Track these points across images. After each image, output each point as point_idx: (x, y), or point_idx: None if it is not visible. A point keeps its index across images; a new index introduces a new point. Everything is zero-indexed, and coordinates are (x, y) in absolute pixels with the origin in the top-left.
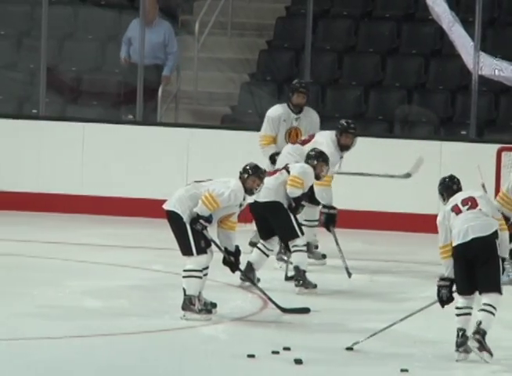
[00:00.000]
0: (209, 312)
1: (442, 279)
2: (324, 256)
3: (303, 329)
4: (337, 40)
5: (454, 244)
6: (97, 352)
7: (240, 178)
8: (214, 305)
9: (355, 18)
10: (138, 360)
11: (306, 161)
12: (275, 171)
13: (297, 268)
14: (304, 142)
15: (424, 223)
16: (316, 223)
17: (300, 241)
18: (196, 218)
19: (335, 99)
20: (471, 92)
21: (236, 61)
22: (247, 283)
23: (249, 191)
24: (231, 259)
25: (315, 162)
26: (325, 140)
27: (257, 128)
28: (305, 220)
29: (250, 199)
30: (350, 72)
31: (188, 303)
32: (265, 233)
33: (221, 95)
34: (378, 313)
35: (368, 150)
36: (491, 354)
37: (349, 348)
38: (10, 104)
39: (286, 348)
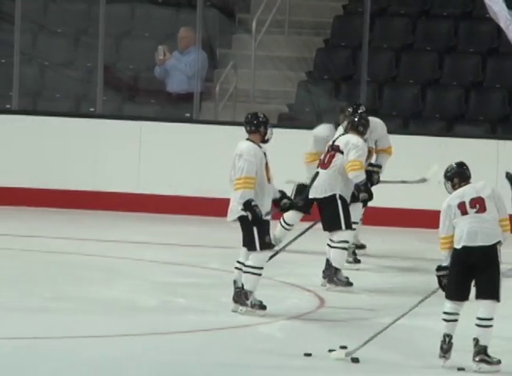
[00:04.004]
0: (263, 307)
1: (441, 268)
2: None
3: (360, 327)
4: (394, 38)
5: (457, 246)
6: (154, 350)
7: (255, 132)
8: (263, 307)
9: (412, 16)
10: (194, 358)
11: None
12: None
13: (330, 264)
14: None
15: None
16: (358, 223)
17: (338, 237)
18: (247, 206)
19: (392, 98)
20: None
21: (293, 59)
22: (329, 285)
23: (266, 141)
24: (290, 202)
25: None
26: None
27: (314, 127)
28: None
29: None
30: (407, 70)
31: (243, 297)
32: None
33: (279, 93)
34: (436, 312)
35: (425, 148)
36: (499, 362)
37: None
38: (67, 102)
39: (343, 347)
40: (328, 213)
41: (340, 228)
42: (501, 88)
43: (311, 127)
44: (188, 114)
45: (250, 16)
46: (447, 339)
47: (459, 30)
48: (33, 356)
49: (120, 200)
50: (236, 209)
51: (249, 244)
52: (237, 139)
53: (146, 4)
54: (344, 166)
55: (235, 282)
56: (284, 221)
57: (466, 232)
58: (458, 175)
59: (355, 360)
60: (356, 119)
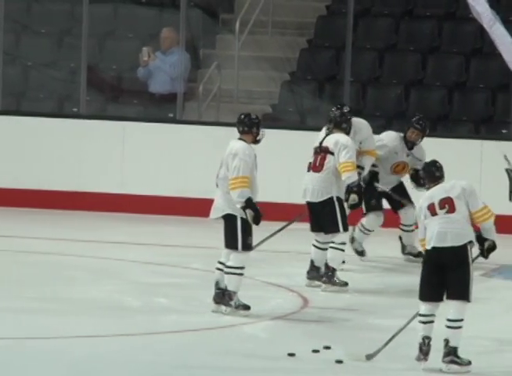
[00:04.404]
0: (247, 308)
1: None
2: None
3: (343, 328)
4: (377, 39)
5: (428, 247)
6: (136, 350)
7: (248, 133)
8: (247, 307)
9: (395, 17)
10: (177, 359)
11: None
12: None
13: (326, 264)
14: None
15: None
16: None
17: (338, 238)
18: (250, 204)
19: (376, 98)
20: None
21: (277, 60)
22: (316, 282)
23: (257, 141)
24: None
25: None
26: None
27: (298, 127)
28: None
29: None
30: (391, 71)
31: (227, 298)
32: (315, 225)
33: (262, 93)
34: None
35: None
36: (469, 363)
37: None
38: (51, 103)
39: (327, 347)
40: (326, 216)
41: (338, 230)
42: (484, 89)
43: (294, 127)
44: (171, 115)
45: (234, 16)
46: (426, 341)
47: (442, 31)
48: (14, 356)
49: (103, 201)
50: (221, 207)
51: (231, 242)
52: (221, 139)
53: (130, 4)
54: (337, 167)
55: (217, 283)
56: (363, 226)
57: (436, 233)
58: (427, 174)
59: (340, 362)
60: (339, 116)
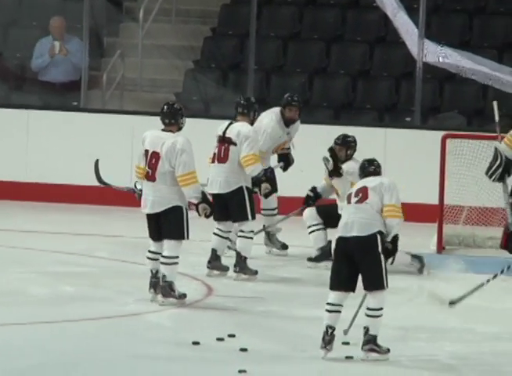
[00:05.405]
0: (185, 296)
1: None
2: (285, 246)
3: (247, 315)
4: (281, 27)
5: (336, 236)
6: (42, 338)
7: (175, 124)
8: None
9: (299, 5)
10: (83, 347)
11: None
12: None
13: (238, 254)
14: None
15: None
16: (275, 212)
17: (246, 227)
18: (206, 198)
19: (280, 87)
20: (416, 78)
21: (181, 48)
22: (215, 272)
23: (180, 129)
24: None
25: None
26: (267, 114)
27: (202, 115)
28: (263, 209)
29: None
30: (294, 59)
31: (168, 289)
32: (220, 214)
33: (166, 82)
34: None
35: (312, 136)
36: (388, 351)
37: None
38: None
39: (231, 335)
40: (235, 205)
41: (247, 218)
42: (388, 77)
43: (198, 115)
44: (75, 103)
45: (137, 4)
46: (329, 331)
47: (346, 19)
48: None
49: (7, 189)
50: (167, 200)
51: (175, 233)
52: (124, 127)
53: None
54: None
55: (157, 272)
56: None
57: (344, 222)
58: (361, 171)
59: (244, 350)
60: (242, 102)
